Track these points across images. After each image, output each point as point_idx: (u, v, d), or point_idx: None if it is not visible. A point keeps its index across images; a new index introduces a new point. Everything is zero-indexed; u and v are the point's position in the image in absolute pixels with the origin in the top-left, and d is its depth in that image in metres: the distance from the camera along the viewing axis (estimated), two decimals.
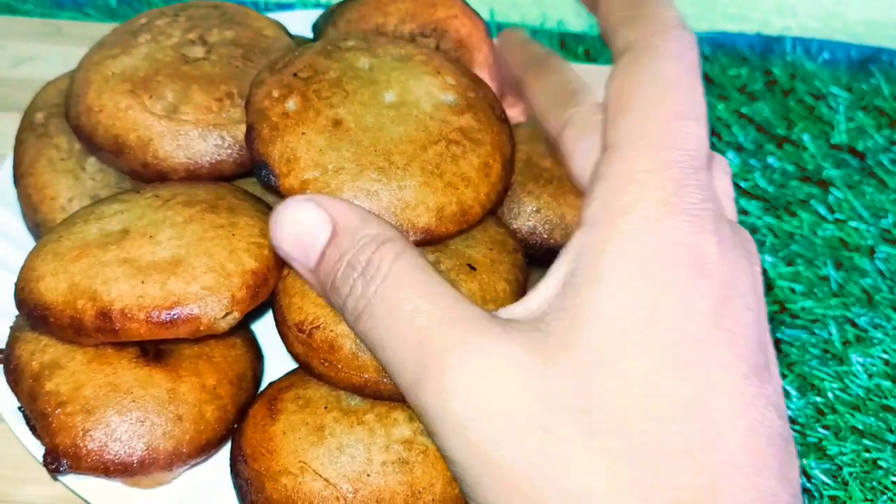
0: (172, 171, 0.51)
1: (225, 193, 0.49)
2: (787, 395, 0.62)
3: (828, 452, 0.59)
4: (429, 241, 0.47)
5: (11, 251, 0.56)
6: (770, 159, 0.77)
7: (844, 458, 0.58)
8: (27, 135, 0.57)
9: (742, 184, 0.75)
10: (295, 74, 0.50)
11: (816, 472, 0.58)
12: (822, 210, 0.73)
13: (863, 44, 0.86)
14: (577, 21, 0.90)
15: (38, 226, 0.55)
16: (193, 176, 0.52)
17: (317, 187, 0.45)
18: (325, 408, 0.45)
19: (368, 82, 0.49)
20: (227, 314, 0.43)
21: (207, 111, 0.52)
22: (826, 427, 0.60)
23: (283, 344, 0.47)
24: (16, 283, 0.46)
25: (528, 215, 0.54)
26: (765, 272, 0.69)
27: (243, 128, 0.51)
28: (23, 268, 0.46)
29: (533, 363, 0.34)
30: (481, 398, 0.33)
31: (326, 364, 0.44)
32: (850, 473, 0.58)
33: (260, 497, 0.44)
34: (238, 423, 0.48)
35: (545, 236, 0.54)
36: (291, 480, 0.43)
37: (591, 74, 0.82)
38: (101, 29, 0.68)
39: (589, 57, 0.88)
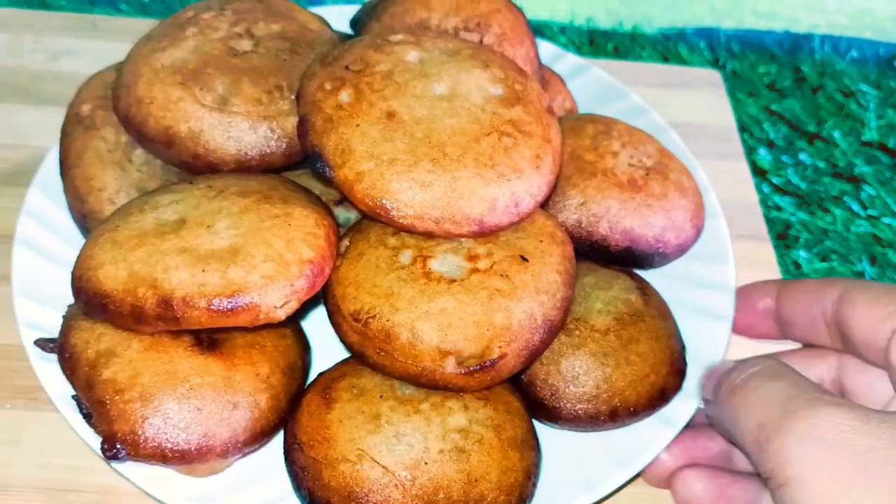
0: (223, 162, 0.52)
1: (277, 184, 0.50)
2: None
3: None
4: (481, 233, 0.47)
5: (58, 243, 0.56)
6: (802, 156, 0.77)
7: None
8: (74, 127, 0.57)
9: (774, 180, 0.75)
10: (347, 67, 0.50)
11: None
12: (855, 206, 0.73)
13: (891, 41, 0.86)
14: (606, 18, 0.91)
15: (84, 217, 0.55)
16: (243, 167, 0.52)
17: (371, 179, 0.46)
18: (381, 396, 0.46)
19: (419, 75, 0.49)
20: (285, 303, 0.44)
21: (257, 103, 0.52)
22: None
23: (335, 333, 0.48)
24: (73, 272, 0.46)
25: (574, 208, 0.55)
26: (799, 267, 0.70)
27: (293, 120, 0.52)
28: (80, 257, 0.46)
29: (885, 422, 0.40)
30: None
31: (382, 353, 0.45)
32: None
33: (317, 484, 0.44)
34: (290, 412, 0.48)
35: (590, 229, 0.54)
36: (349, 468, 0.43)
37: (620, 71, 0.83)
38: (135, 24, 0.70)
39: (618, 53, 0.88)
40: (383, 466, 0.43)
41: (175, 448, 0.44)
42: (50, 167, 0.59)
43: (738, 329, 0.57)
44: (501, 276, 0.46)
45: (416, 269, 0.46)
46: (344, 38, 0.60)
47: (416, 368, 0.44)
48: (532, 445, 0.47)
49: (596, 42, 0.89)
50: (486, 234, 0.47)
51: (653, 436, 0.50)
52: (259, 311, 0.43)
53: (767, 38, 0.89)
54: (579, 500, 0.47)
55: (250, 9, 0.58)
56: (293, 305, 0.44)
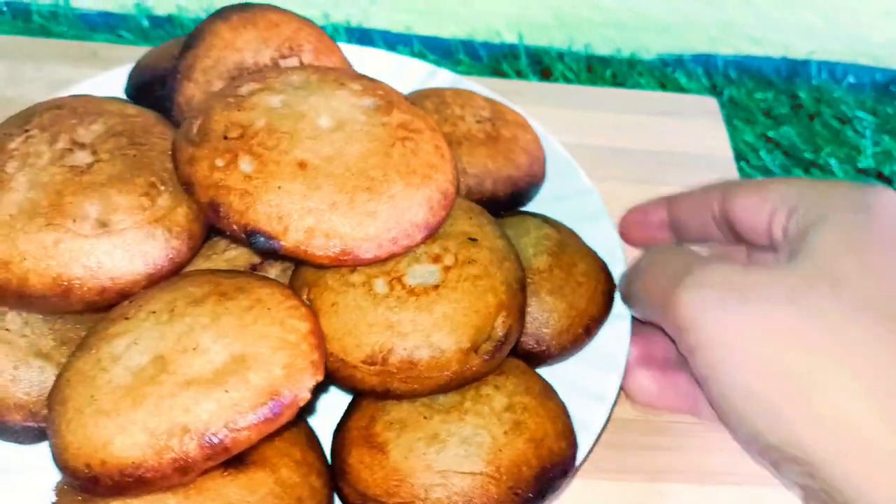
0: (134, 284, 0.48)
1: (216, 278, 0.47)
2: None
3: None
4: (430, 234, 0.49)
5: None
6: None
7: None
8: None
9: None
10: (226, 137, 0.48)
11: None
12: None
13: (887, 67, 0.87)
14: (603, 45, 0.88)
15: None
16: (155, 280, 0.48)
17: (322, 231, 0.46)
18: (425, 417, 0.47)
19: (297, 117, 0.49)
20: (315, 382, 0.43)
21: (141, 210, 0.48)
22: None
23: (344, 387, 0.48)
24: (69, 466, 0.41)
25: (460, 179, 0.58)
26: None
27: (182, 210, 0.49)
28: (66, 448, 0.41)
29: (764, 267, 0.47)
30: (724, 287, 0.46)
31: (409, 380, 0.46)
32: None
33: None
34: (336, 479, 0.48)
35: (480, 190, 0.59)
36: (443, 491, 0.45)
37: (618, 100, 0.82)
38: (135, 52, 0.73)
39: (615, 80, 0.88)
40: (471, 473, 0.45)
41: None
42: None
43: (636, 242, 0.64)
44: (469, 262, 0.49)
45: (399, 291, 0.47)
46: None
47: (446, 377, 0.46)
48: (552, 389, 0.52)
49: (594, 68, 0.87)
50: (433, 233, 0.49)
51: (616, 333, 0.57)
52: (298, 401, 0.42)
53: (765, 64, 0.88)
54: (598, 413, 0.53)
55: (55, 118, 0.52)
56: (318, 379, 0.44)
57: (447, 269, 0.48)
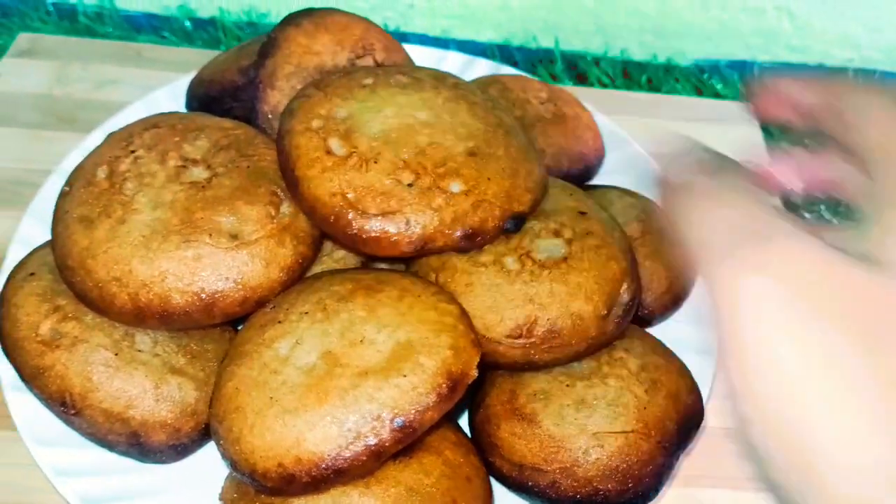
0: (271, 292, 0.49)
1: (353, 275, 0.49)
2: None
3: None
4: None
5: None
6: None
7: None
8: (50, 354, 0.49)
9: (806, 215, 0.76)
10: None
11: None
12: None
13: None
14: (640, 50, 0.88)
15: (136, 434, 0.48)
16: (287, 285, 0.49)
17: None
18: (567, 385, 0.49)
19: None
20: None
21: (269, 219, 0.49)
22: None
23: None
24: (259, 469, 0.42)
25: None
26: None
27: (303, 217, 0.50)
28: (253, 451, 0.42)
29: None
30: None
31: (552, 349, 0.48)
32: None
33: (586, 479, 0.47)
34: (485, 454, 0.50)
35: (559, 167, 0.62)
36: (600, 451, 0.47)
37: (654, 105, 0.82)
38: (179, 53, 0.82)
39: (651, 86, 0.88)
40: (623, 432, 0.48)
41: None
42: None
43: (769, 119, 0.47)
44: (587, 234, 0.51)
45: (531, 266, 0.49)
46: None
47: (585, 344, 0.49)
48: (668, 348, 0.54)
49: (630, 73, 0.87)
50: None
51: None
52: (468, 378, 0.44)
53: (801, 71, 0.88)
54: (707, 366, 0.56)
55: (157, 137, 0.52)
56: (480, 356, 0.45)
57: (569, 241, 0.50)
